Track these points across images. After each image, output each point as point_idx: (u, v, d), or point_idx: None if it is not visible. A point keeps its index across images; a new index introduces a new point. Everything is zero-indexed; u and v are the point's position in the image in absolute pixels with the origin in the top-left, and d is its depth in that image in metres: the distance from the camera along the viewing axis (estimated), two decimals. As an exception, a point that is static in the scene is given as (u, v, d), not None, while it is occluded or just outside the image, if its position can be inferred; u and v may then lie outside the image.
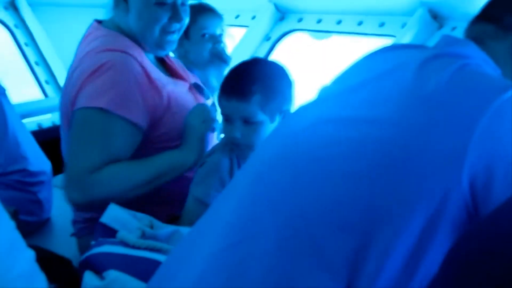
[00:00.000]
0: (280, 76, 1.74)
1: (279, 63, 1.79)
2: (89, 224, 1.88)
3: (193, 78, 2.05)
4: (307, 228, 0.90)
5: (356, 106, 0.99)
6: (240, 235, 0.97)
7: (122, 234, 1.58)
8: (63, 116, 1.87)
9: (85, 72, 1.74)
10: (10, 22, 3.05)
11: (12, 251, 1.23)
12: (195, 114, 1.82)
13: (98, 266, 1.49)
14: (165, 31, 1.82)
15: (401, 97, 0.94)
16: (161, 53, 1.91)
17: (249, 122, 1.67)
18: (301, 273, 0.87)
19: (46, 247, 1.98)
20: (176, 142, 1.82)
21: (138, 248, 1.54)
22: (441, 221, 0.83)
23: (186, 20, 1.87)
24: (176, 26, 1.83)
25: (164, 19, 1.79)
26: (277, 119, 1.71)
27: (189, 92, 1.93)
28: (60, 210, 2.24)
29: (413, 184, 0.85)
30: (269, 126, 1.69)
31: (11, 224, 1.28)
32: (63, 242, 2.05)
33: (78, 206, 1.77)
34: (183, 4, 1.83)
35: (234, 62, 3.00)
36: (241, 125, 1.68)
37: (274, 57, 2.91)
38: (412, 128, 0.88)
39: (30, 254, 1.30)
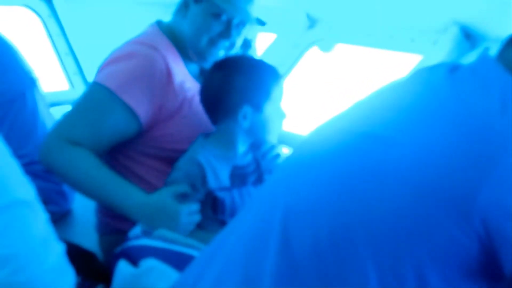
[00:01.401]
0: None
1: None
2: (114, 221, 1.92)
3: None
4: (315, 243, 0.92)
5: (389, 125, 0.98)
6: (255, 242, 1.00)
7: (160, 231, 1.61)
8: None
9: (111, 56, 1.85)
10: (44, 13, 3.08)
11: (45, 244, 1.25)
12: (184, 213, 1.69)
13: (135, 256, 1.52)
14: (212, 44, 1.86)
15: (434, 123, 0.93)
16: (203, 64, 1.94)
17: None
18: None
19: (67, 237, 2.00)
20: (181, 146, 1.83)
21: (177, 243, 1.57)
22: (447, 255, 0.83)
23: (237, 42, 1.91)
24: (223, 42, 1.87)
25: (215, 31, 1.84)
26: None
27: None
28: (81, 201, 2.26)
29: (424, 216, 0.84)
30: None
31: (45, 217, 1.31)
32: (84, 233, 2.09)
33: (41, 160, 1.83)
34: (239, 25, 1.86)
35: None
36: None
37: (301, 65, 2.92)
38: (437, 155, 0.87)
39: (61, 247, 1.32)
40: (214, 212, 1.72)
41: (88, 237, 2.04)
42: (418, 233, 0.84)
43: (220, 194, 1.72)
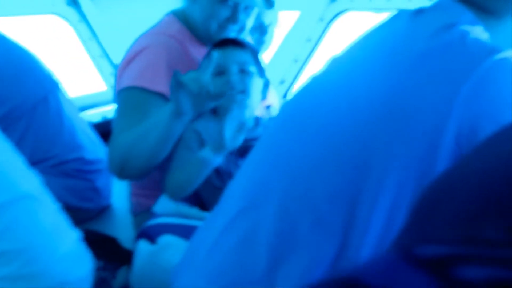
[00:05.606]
0: None
1: None
2: (146, 201, 1.95)
3: None
4: (307, 192, 0.93)
5: (356, 72, 1.00)
6: (250, 200, 1.03)
7: (177, 206, 1.64)
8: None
9: (130, 53, 1.87)
10: (74, 18, 3.13)
11: (57, 232, 1.29)
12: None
13: (153, 235, 1.56)
14: (221, 29, 1.88)
15: (394, 58, 0.94)
16: None
17: (243, 70, 1.73)
18: (301, 235, 0.91)
19: (105, 232, 2.05)
20: None
21: (192, 218, 1.60)
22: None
23: (248, 24, 1.92)
24: (232, 27, 1.89)
25: (222, 16, 1.86)
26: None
27: None
28: (120, 197, 2.32)
29: (398, 142, 0.87)
30: (259, 82, 1.79)
31: (54, 208, 1.34)
32: (123, 228, 2.12)
33: (117, 175, 1.80)
34: (246, 9, 1.87)
35: (289, 46, 3.02)
36: (236, 72, 1.72)
37: (328, 38, 2.90)
38: (401, 87, 0.89)
39: (75, 234, 1.36)
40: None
41: (127, 230, 2.07)
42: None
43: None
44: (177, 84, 1.55)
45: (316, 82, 1.11)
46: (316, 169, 0.94)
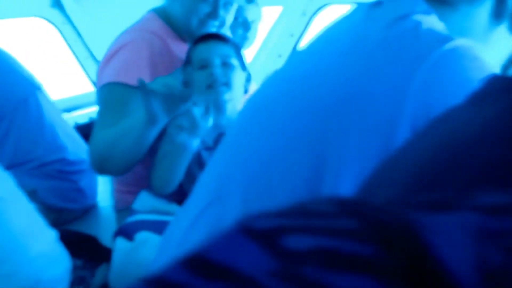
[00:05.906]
0: None
1: None
2: (128, 196, 1.95)
3: None
4: (267, 185, 0.94)
5: (314, 64, 1.01)
6: (215, 194, 1.03)
7: (154, 203, 1.65)
8: None
9: (111, 50, 1.87)
10: (58, 20, 3.12)
11: (30, 232, 1.30)
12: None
13: (130, 232, 1.56)
14: (202, 24, 1.89)
15: (349, 50, 0.95)
16: None
17: (226, 63, 1.74)
18: None
19: (90, 232, 2.06)
20: None
21: (171, 214, 1.60)
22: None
23: (228, 19, 1.94)
24: (212, 22, 1.90)
25: (203, 12, 1.87)
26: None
27: None
28: (105, 196, 2.32)
29: (354, 133, 0.87)
30: (241, 76, 1.80)
31: (29, 207, 1.35)
32: (108, 226, 2.12)
33: (97, 171, 1.83)
34: (226, 5, 1.89)
35: (272, 41, 3.03)
36: (219, 64, 1.73)
37: (311, 31, 2.91)
38: (356, 78, 0.90)
39: (51, 234, 1.37)
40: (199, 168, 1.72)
41: (113, 230, 2.07)
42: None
43: (204, 153, 1.74)
44: (145, 92, 1.55)
45: (276, 76, 1.12)
46: (275, 162, 0.95)
